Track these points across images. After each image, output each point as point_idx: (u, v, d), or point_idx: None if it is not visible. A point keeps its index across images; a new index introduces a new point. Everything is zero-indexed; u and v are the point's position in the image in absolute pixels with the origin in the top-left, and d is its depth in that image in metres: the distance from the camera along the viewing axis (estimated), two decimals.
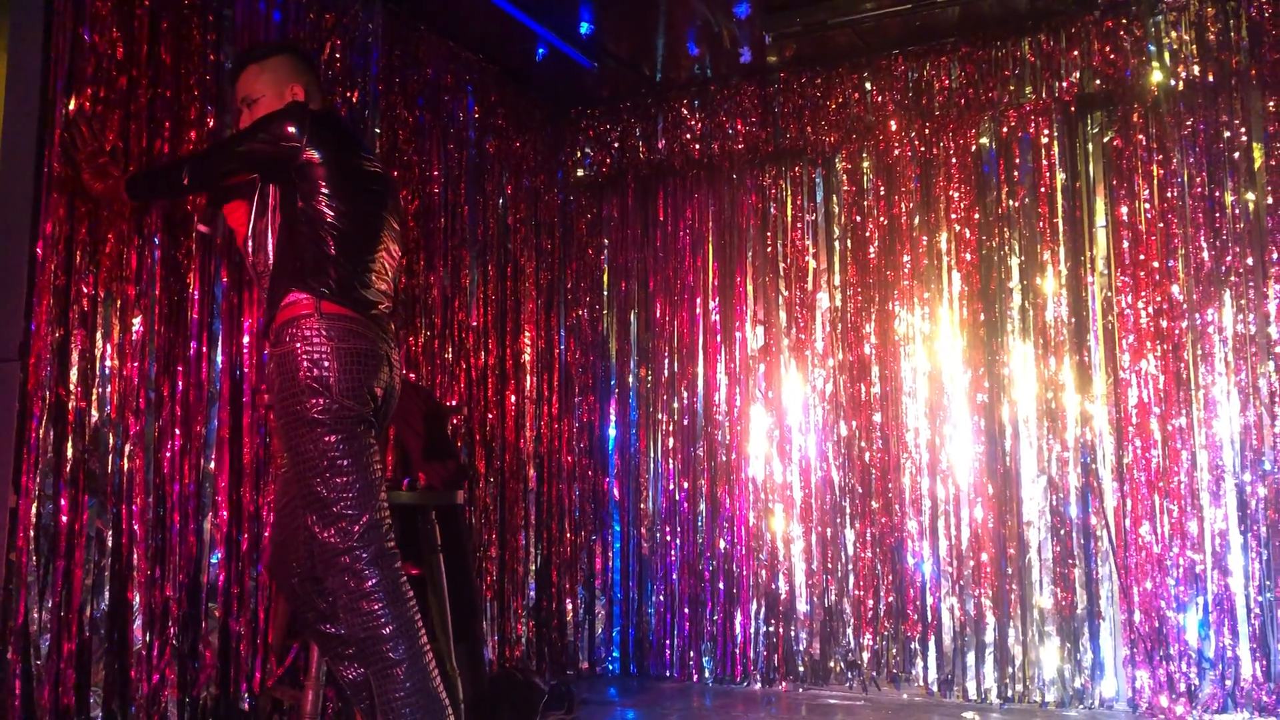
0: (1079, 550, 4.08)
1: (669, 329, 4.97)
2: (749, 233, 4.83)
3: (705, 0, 4.08)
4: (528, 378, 4.74)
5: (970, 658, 4.20)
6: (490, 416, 4.47)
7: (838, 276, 4.65)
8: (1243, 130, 3.94)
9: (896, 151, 4.56)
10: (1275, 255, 3.86)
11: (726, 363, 4.82)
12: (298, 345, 2.26)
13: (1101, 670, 4.03)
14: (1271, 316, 3.85)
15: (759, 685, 4.52)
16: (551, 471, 4.86)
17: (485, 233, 4.53)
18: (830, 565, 4.51)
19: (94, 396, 2.78)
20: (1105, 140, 4.25)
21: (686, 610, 4.73)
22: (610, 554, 4.94)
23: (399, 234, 2.54)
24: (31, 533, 2.61)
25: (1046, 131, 4.27)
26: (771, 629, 4.56)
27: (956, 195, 4.43)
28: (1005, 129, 4.35)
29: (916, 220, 4.51)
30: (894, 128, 4.54)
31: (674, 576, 4.79)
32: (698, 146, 4.88)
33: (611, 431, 5.05)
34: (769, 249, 4.79)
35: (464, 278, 4.36)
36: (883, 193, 4.60)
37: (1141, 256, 4.07)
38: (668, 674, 4.73)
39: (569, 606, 4.87)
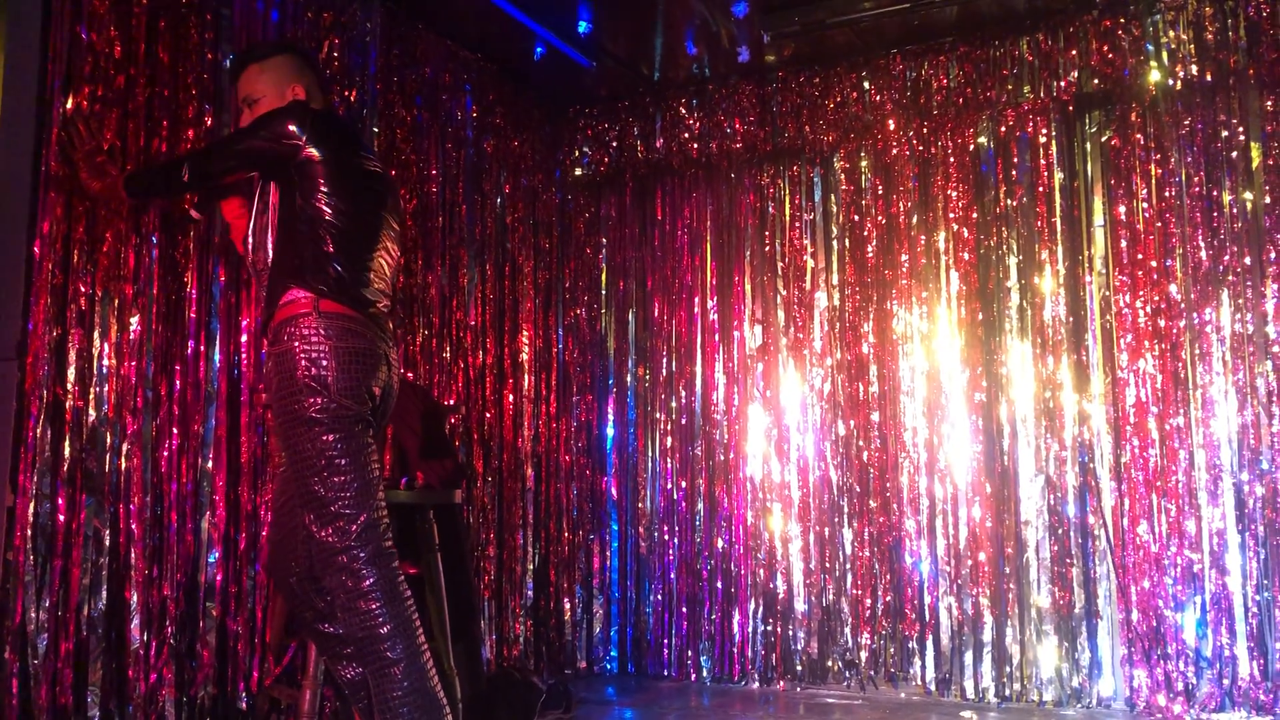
0: (1077, 549, 4.08)
1: (667, 328, 4.97)
2: (747, 232, 4.83)
3: None
4: (526, 377, 4.73)
5: (968, 657, 4.20)
6: (488, 415, 4.47)
7: (836, 276, 4.65)
8: (1241, 130, 3.94)
9: (895, 151, 4.56)
10: (1273, 254, 3.86)
11: (724, 362, 4.82)
12: (296, 344, 2.26)
13: (1099, 669, 4.03)
14: (1269, 316, 3.85)
15: (757, 684, 4.52)
16: (549, 470, 4.86)
17: (483, 232, 4.53)
18: (828, 564, 4.51)
19: (91, 396, 2.78)
20: (1103, 139, 4.25)
21: (684, 609, 4.73)
22: (608, 553, 4.94)
23: (398, 234, 2.54)
24: (29, 532, 2.61)
25: (1045, 131, 4.28)
26: (769, 628, 4.56)
27: (955, 194, 4.43)
28: (1003, 128, 4.36)
29: (915, 219, 4.51)
30: (892, 127, 4.54)
31: (672, 576, 4.79)
32: (696, 146, 4.88)
33: (609, 431, 5.05)
34: (767, 248, 4.79)
35: (462, 277, 4.36)
36: (881, 192, 4.60)
37: (1139, 256, 4.08)
38: (665, 673, 4.73)
39: (567, 606, 4.87)
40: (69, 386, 2.73)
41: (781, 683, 4.48)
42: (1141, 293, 4.05)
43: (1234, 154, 3.94)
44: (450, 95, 4.37)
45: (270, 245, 2.43)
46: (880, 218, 4.59)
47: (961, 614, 4.22)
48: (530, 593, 4.63)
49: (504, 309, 4.65)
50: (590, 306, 5.14)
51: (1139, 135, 4.10)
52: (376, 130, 3.88)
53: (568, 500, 4.94)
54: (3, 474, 2.56)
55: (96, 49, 2.83)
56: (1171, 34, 4.02)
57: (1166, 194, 4.04)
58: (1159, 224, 4.04)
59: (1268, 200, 3.87)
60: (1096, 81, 4.16)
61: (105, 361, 2.81)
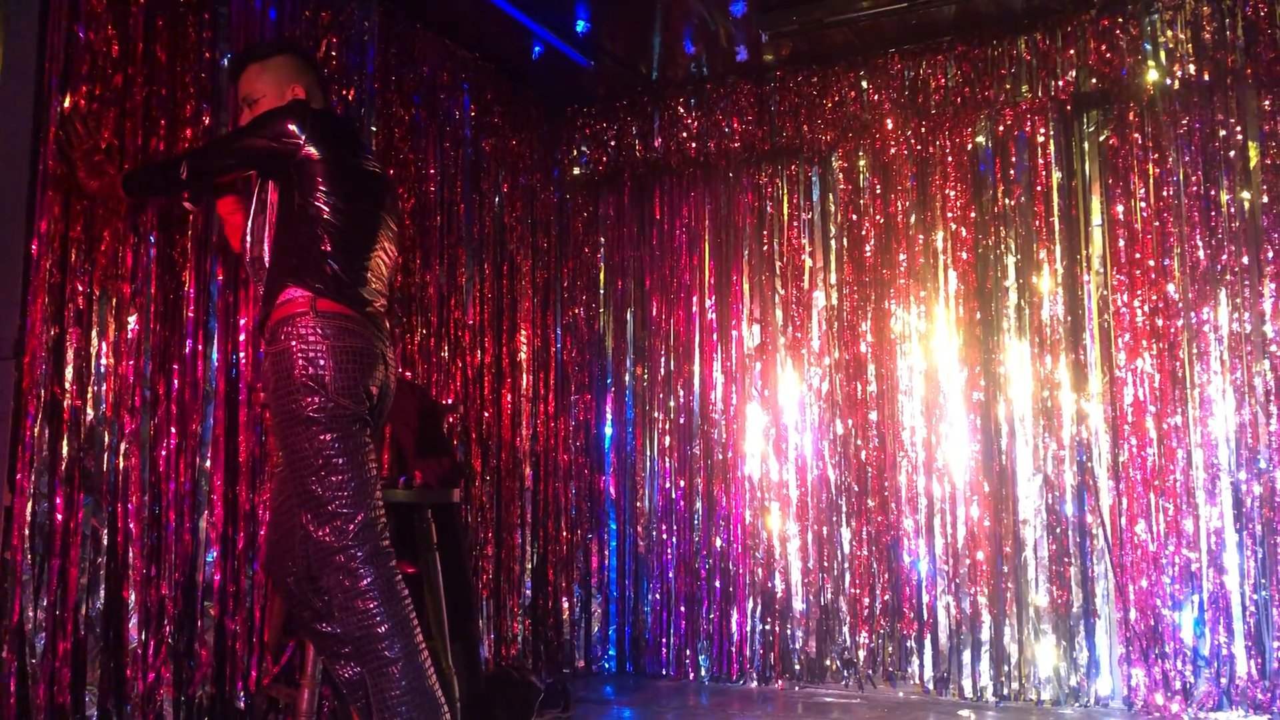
0: (1075, 548, 4.08)
1: (665, 327, 4.97)
2: (745, 231, 4.83)
3: None
4: (524, 376, 4.73)
5: (966, 656, 4.20)
6: (486, 415, 4.47)
7: (834, 275, 4.65)
8: (1238, 129, 3.95)
9: (893, 150, 4.56)
10: (1270, 254, 3.87)
11: (723, 361, 4.82)
12: (293, 343, 2.26)
13: (1097, 668, 4.03)
14: (1267, 315, 3.86)
15: (755, 683, 4.52)
16: (548, 470, 4.86)
17: (481, 231, 4.53)
18: (826, 563, 4.51)
19: (89, 395, 2.78)
20: (1101, 139, 4.26)
21: (683, 608, 4.73)
22: (606, 552, 4.94)
23: (396, 234, 2.54)
24: (26, 531, 2.60)
25: (1042, 130, 4.28)
26: (768, 627, 4.56)
27: (953, 194, 4.44)
28: (1001, 128, 4.36)
29: (913, 219, 4.51)
30: (890, 126, 4.54)
31: (670, 575, 4.79)
32: (694, 145, 4.88)
33: (608, 430, 5.05)
34: (765, 247, 4.80)
35: (460, 276, 4.36)
36: (879, 191, 4.60)
37: (1137, 255, 4.08)
38: (664, 672, 4.73)
39: (565, 605, 4.87)
40: (67, 385, 2.73)
41: (780, 682, 4.48)
42: (1139, 292, 4.05)
43: (1232, 153, 3.95)
44: (448, 94, 4.37)
45: (267, 244, 2.42)
46: (878, 217, 4.59)
47: (959, 613, 4.23)
48: (528, 592, 4.63)
49: (502, 308, 4.65)
50: (588, 306, 5.14)
51: (1137, 135, 4.11)
52: (374, 129, 3.88)
53: (566, 499, 4.94)
54: (0, 473, 2.56)
55: (94, 48, 2.83)
56: (1169, 33, 4.02)
57: (1164, 193, 4.04)
58: (1157, 223, 4.05)
59: (1265, 199, 3.88)
60: (1094, 81, 4.16)
61: (103, 360, 2.81)
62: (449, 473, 3.25)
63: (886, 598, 4.40)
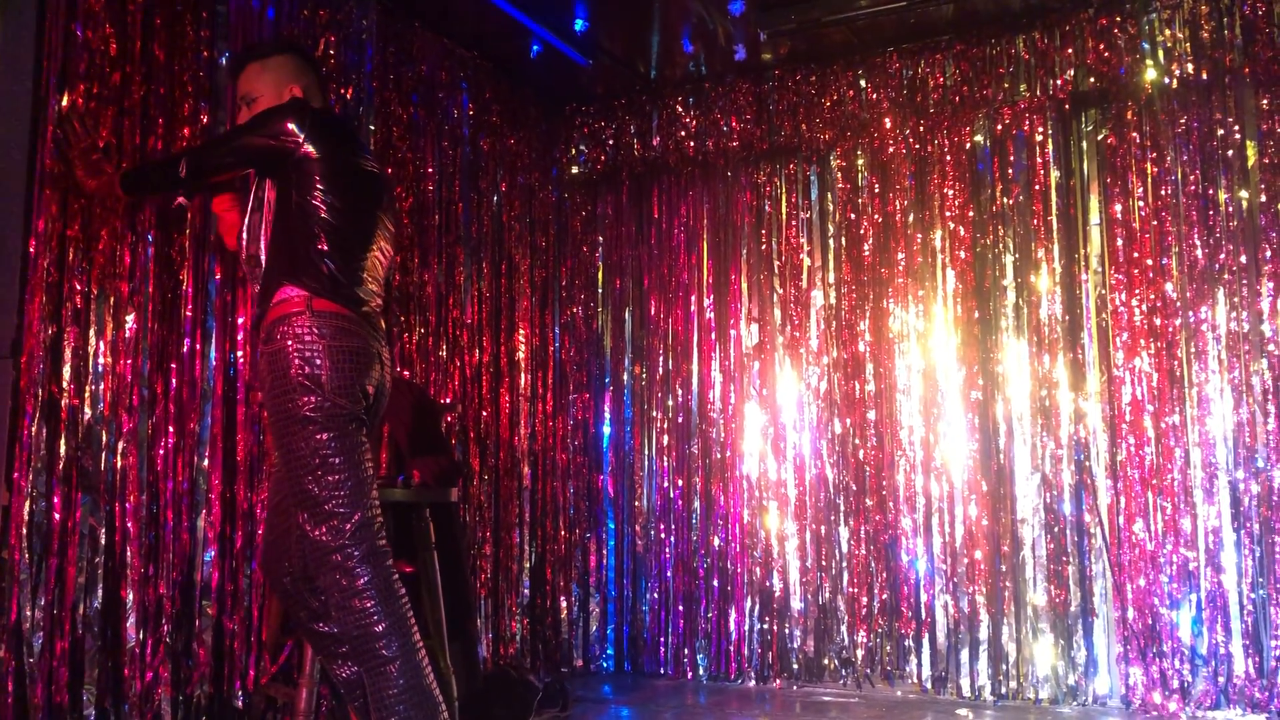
0: (1073, 547, 4.08)
1: (664, 326, 4.97)
2: (744, 230, 4.83)
3: None
4: (522, 375, 4.73)
5: (964, 655, 4.21)
6: (485, 414, 4.47)
7: (832, 274, 4.66)
8: (1236, 128, 3.95)
9: (891, 149, 4.56)
10: (1268, 253, 3.87)
11: (721, 360, 4.82)
12: (289, 343, 2.25)
13: (1095, 667, 4.03)
14: (1265, 314, 3.86)
15: (753, 683, 4.52)
16: (546, 469, 4.86)
17: (479, 230, 4.53)
18: (824, 563, 4.51)
19: (87, 394, 2.77)
20: (1099, 138, 4.26)
21: (681, 608, 4.73)
22: (605, 551, 4.94)
23: (393, 234, 2.54)
24: (24, 530, 2.60)
25: (1041, 129, 4.28)
26: (766, 626, 4.57)
27: (951, 193, 4.44)
28: (1000, 126, 4.36)
29: (911, 218, 4.51)
30: (889, 125, 4.54)
31: (668, 574, 4.79)
32: (692, 144, 4.88)
33: (606, 429, 5.05)
34: (764, 246, 4.80)
35: (458, 275, 4.36)
36: (877, 190, 4.60)
37: (1135, 254, 4.08)
38: (662, 671, 4.73)
39: (563, 604, 4.87)
40: (64, 385, 2.72)
41: (778, 681, 4.48)
42: (1137, 291, 4.06)
43: (1230, 152, 3.95)
44: (446, 93, 4.36)
45: (264, 243, 2.42)
46: (877, 216, 4.59)
47: (958, 612, 4.23)
48: (527, 591, 4.63)
49: (500, 307, 4.64)
50: (587, 305, 5.13)
51: (1135, 134, 4.11)
52: (373, 128, 3.88)
53: (564, 498, 4.94)
54: None
55: (92, 46, 2.82)
56: (1167, 32, 4.02)
57: (1162, 192, 4.04)
58: (1155, 222, 4.05)
59: (1263, 199, 3.88)
60: (1092, 80, 4.16)
61: (101, 359, 2.81)
62: (446, 471, 3.25)
63: (884, 597, 4.40)
